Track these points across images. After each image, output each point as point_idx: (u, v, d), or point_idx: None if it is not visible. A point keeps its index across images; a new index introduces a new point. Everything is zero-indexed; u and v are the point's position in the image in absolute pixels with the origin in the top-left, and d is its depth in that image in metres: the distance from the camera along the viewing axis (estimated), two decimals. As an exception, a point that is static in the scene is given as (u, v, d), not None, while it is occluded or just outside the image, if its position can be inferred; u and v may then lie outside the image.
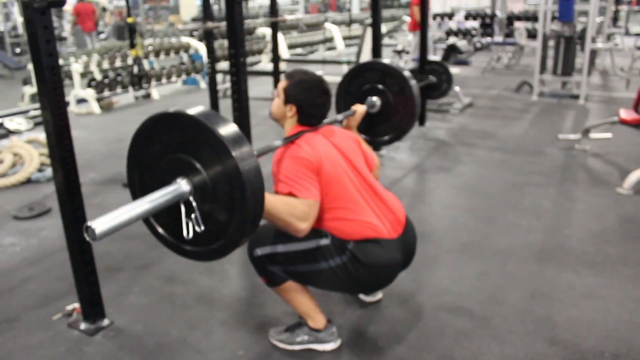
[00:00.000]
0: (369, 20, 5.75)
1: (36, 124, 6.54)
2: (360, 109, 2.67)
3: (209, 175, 1.61)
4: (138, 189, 1.81)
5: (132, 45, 7.62)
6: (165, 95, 8.49)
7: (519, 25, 10.55)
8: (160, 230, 1.80)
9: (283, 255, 2.08)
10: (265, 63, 10.05)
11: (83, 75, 7.64)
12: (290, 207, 1.88)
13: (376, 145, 2.76)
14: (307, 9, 21.53)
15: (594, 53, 8.31)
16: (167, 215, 1.74)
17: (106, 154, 5.33)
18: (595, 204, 3.72)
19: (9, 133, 6.23)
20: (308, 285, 2.19)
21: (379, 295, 2.60)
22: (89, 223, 1.45)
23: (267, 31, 9.79)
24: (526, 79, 8.01)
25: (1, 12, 14.09)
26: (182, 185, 1.63)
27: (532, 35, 9.88)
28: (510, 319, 2.43)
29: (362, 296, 2.60)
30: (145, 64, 8.16)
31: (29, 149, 4.71)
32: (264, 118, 6.72)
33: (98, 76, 7.67)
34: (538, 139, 5.41)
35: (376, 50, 4.95)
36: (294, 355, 2.22)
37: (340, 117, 2.64)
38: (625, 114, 4.33)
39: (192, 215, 1.65)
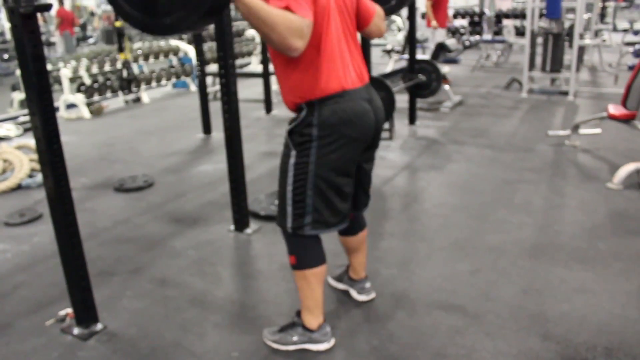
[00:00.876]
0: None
1: (26, 130, 6.51)
2: None
3: None
4: None
5: (121, 49, 7.59)
6: (156, 99, 8.47)
7: (507, 23, 10.63)
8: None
9: (294, 198, 2.07)
10: (255, 65, 10.03)
11: (72, 80, 7.60)
12: (287, 20, 1.71)
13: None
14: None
15: (582, 49, 8.37)
16: None
17: (97, 159, 5.31)
18: (585, 199, 3.75)
19: (-1, 139, 6.20)
20: (332, 194, 2.09)
21: (372, 294, 2.61)
22: None
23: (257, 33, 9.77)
24: (515, 76, 8.05)
25: (-12, 18, 14.02)
26: None
27: (520, 32, 9.95)
28: (503, 315, 2.44)
29: (355, 295, 2.61)
30: (135, 68, 8.14)
31: (19, 155, 4.68)
32: (254, 120, 6.74)
33: (87, 81, 7.64)
34: (528, 135, 5.44)
35: (365, 49, 4.95)
36: (288, 356, 2.22)
37: None
38: (614, 109, 4.36)
39: None
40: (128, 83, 7.72)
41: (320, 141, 2.01)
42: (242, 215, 3.43)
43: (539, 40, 7.45)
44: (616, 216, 3.46)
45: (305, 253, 2.16)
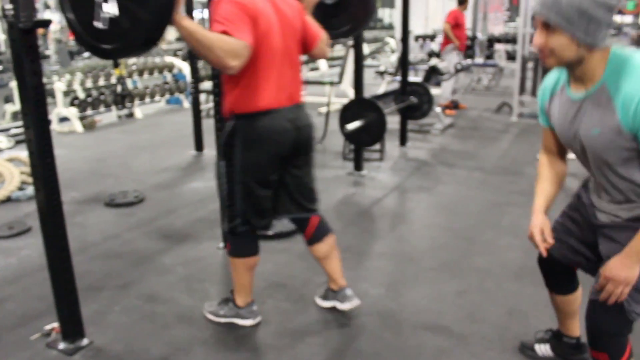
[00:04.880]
0: (352, 42, 5.83)
1: (17, 142, 6.50)
2: None
3: None
4: None
5: (116, 65, 7.63)
6: (149, 115, 8.48)
7: (499, 47, 10.74)
8: (71, 16, 1.92)
9: (227, 202, 2.37)
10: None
11: (66, 93, 7.62)
12: (222, 42, 1.90)
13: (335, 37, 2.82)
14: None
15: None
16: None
17: (88, 173, 5.31)
18: (572, 223, 3.78)
19: (-10, 151, 6.19)
20: (255, 198, 2.34)
21: (355, 300, 2.63)
22: None
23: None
24: (506, 100, 8.15)
25: (-17, 30, 14.02)
26: None
27: (511, 57, 10.06)
28: (489, 336, 2.46)
29: (339, 305, 2.64)
30: (129, 83, 8.17)
31: (10, 167, 4.68)
32: (247, 137, 6.76)
33: (81, 95, 7.65)
34: (517, 159, 5.51)
35: (358, 71, 5.02)
36: (275, 374, 2.23)
37: None
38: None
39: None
40: (122, 98, 7.75)
41: (242, 152, 2.25)
42: (231, 233, 3.43)
43: (530, 64, 7.56)
44: (602, 240, 3.49)
45: (237, 245, 2.48)
